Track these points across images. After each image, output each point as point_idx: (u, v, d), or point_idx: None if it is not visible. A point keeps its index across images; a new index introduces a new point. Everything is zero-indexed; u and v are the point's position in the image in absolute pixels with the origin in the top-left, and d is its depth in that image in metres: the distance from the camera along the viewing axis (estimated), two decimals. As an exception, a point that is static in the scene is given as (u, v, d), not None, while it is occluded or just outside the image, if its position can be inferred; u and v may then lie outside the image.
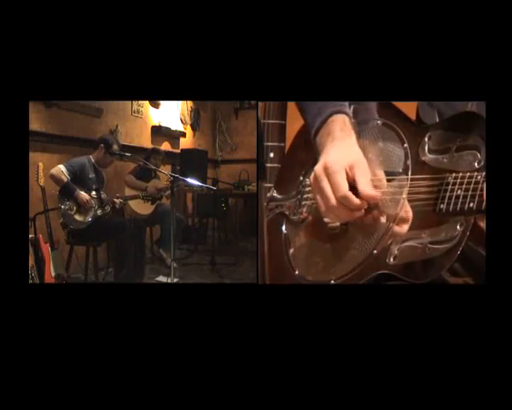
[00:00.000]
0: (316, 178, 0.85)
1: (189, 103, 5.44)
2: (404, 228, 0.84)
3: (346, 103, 0.93)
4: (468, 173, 0.79)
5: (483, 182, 0.77)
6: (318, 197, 0.85)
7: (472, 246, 0.78)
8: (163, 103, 4.83)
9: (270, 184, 0.99)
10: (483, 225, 0.76)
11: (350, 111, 0.92)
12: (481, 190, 0.76)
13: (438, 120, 0.91)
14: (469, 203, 0.77)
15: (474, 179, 0.77)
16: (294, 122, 1.00)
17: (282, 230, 0.96)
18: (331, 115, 0.90)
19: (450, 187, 0.79)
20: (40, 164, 2.52)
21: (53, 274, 2.39)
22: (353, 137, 0.87)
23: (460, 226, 0.78)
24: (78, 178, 2.73)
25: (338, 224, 0.91)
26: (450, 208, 0.79)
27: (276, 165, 1.01)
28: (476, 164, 0.80)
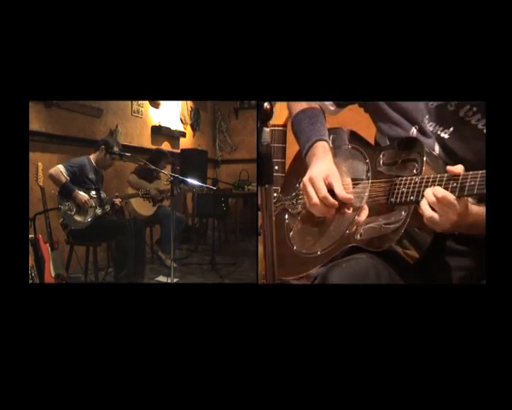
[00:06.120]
0: (304, 185, 1.23)
1: (189, 103, 5.45)
2: (363, 217, 1.22)
3: (326, 133, 1.33)
4: (409, 177, 1.15)
5: (420, 182, 1.11)
6: (306, 198, 1.24)
7: (413, 228, 1.12)
8: (163, 103, 4.84)
9: (277, 187, 1.50)
10: (420, 210, 1.07)
11: (329, 139, 1.33)
12: (419, 187, 1.11)
13: (388, 143, 1.28)
14: (410, 197, 1.12)
15: (413, 181, 1.13)
16: (292, 145, 1.47)
17: (284, 220, 1.42)
18: (316, 142, 1.28)
19: (397, 186, 1.17)
20: (39, 164, 2.52)
21: (53, 274, 2.40)
22: (330, 156, 1.27)
23: (404, 212, 1.13)
24: (78, 178, 2.74)
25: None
26: (398, 201, 1.16)
27: (280, 174, 1.56)
28: (415, 171, 1.16)
